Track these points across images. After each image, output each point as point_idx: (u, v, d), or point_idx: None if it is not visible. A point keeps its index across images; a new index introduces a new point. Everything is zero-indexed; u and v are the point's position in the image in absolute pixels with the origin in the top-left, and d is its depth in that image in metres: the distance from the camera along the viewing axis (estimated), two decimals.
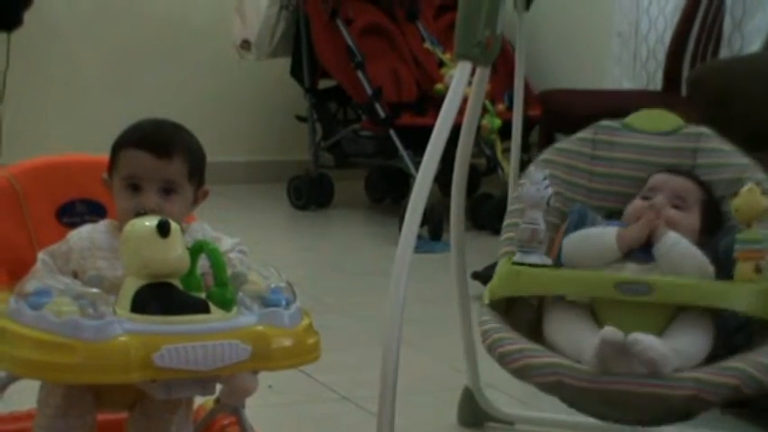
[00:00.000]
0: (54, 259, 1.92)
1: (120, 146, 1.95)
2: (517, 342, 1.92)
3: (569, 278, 1.99)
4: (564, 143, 2.30)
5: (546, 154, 2.28)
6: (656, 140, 2.25)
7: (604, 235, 2.07)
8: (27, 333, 1.68)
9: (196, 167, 1.96)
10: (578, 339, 1.90)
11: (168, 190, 1.92)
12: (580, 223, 2.15)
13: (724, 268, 2.00)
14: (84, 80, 5.42)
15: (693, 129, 2.25)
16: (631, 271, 2.02)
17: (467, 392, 2.60)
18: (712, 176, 2.19)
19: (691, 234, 2.07)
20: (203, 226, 1.99)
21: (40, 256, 1.92)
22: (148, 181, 1.91)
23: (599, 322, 1.95)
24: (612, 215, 2.19)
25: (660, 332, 1.91)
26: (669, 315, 1.95)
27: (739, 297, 1.92)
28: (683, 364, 1.85)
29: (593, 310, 1.98)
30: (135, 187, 1.92)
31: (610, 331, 1.82)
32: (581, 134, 2.30)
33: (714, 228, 2.12)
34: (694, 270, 1.99)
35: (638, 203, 2.13)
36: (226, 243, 1.94)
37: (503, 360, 1.91)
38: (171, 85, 5.47)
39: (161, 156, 1.92)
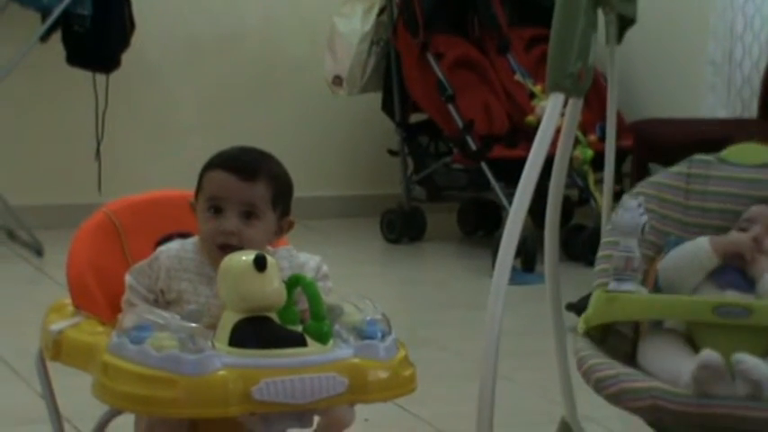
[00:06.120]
0: (140, 279, 1.95)
1: (206, 168, 1.99)
2: (613, 367, 1.91)
3: (666, 302, 1.96)
4: (657, 177, 2.29)
5: (639, 187, 2.28)
6: (751, 173, 2.24)
7: (698, 242, 2.08)
8: (129, 368, 1.71)
9: (280, 194, 1.97)
10: (675, 365, 1.89)
11: (249, 214, 1.94)
12: None
13: None
14: (179, 118, 5.51)
15: None
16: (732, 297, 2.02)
17: (564, 425, 2.57)
18: None
19: None
20: (291, 252, 2.01)
21: (128, 279, 1.95)
22: (230, 203, 1.93)
23: (697, 349, 1.93)
24: None
25: (761, 357, 1.89)
26: None
27: None
28: None
29: (691, 338, 1.96)
30: (216, 209, 1.94)
31: (709, 354, 1.81)
32: (675, 168, 2.29)
33: None
34: None
35: (734, 235, 2.13)
36: (310, 265, 1.97)
37: (598, 386, 1.90)
38: (264, 121, 5.53)
39: (244, 178, 1.94)
